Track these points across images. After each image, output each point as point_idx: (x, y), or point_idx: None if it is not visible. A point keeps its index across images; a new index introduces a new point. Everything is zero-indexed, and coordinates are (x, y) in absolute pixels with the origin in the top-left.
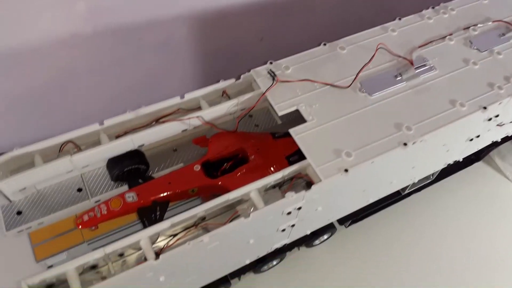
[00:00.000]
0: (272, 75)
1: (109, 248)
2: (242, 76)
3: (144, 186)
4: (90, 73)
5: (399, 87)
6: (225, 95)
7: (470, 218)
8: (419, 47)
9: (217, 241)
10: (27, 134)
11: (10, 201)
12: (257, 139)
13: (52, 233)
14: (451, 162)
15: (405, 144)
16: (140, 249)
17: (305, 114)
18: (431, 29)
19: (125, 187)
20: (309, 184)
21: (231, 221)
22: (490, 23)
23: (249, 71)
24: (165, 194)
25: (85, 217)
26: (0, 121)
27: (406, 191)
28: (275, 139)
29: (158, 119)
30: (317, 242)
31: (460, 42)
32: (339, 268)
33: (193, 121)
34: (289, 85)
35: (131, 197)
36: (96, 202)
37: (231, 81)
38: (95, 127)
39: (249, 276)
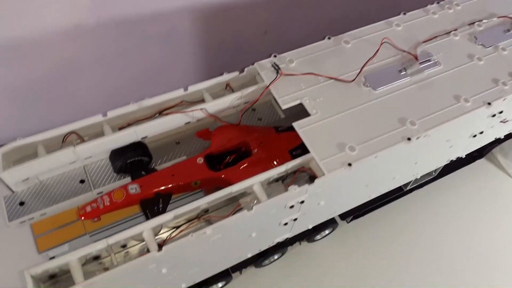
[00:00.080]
0: (276, 68)
1: (112, 239)
2: (246, 69)
3: (147, 178)
4: (94, 65)
5: (403, 82)
6: (228, 88)
7: (472, 215)
8: (424, 42)
9: (219, 233)
10: (30, 126)
11: (13, 191)
12: (260, 133)
13: (55, 224)
14: (454, 158)
15: (409, 139)
16: (143, 240)
17: (309, 108)
18: (436, 24)
19: (127, 179)
20: (312, 178)
21: (234, 213)
22: (495, 18)
23: (253, 64)
24: (168, 186)
25: (88, 208)
26: (3, 112)
27: (408, 187)
28: (278, 133)
29: (161, 111)
30: (318, 237)
31: (465, 38)
32: (340, 263)
33: (196, 113)
34: (293, 79)
35: (134, 188)
36: (98, 193)
37: (235, 74)
38: (99, 118)
39: (250, 270)
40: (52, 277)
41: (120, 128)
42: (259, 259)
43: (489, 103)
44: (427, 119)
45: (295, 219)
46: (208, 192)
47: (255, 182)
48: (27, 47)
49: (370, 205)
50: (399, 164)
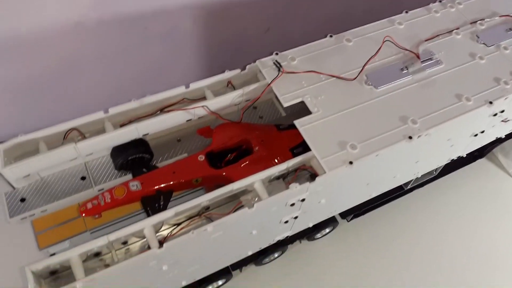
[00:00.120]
0: (278, 66)
1: (113, 236)
2: (247, 67)
3: (148, 175)
4: (95, 62)
5: (405, 80)
6: (230, 86)
7: (472, 214)
8: (426, 40)
9: (220, 230)
10: (32, 122)
11: (14, 188)
12: (262, 131)
13: (55, 221)
14: (454, 157)
15: (410, 137)
16: (143, 237)
17: (310, 106)
18: (438, 23)
19: (128, 176)
20: (313, 176)
21: (235, 211)
22: (497, 17)
23: (254, 61)
24: (169, 183)
25: (89, 205)
26: (4, 109)
27: (409, 186)
28: (280, 131)
29: (163, 109)
30: (318, 235)
31: (467, 36)
32: (340, 262)
33: (197, 111)
34: (295, 77)
35: (135, 185)
36: (99, 190)
37: (236, 71)
38: (100, 115)
39: (251, 268)
40: (53, 273)
41: (122, 125)
42: (259, 257)
43: (490, 102)
44: (428, 118)
45: (296, 217)
46: (209, 190)
47: (256, 179)
48: (28, 45)
49: (371, 204)
50: (400, 162)
